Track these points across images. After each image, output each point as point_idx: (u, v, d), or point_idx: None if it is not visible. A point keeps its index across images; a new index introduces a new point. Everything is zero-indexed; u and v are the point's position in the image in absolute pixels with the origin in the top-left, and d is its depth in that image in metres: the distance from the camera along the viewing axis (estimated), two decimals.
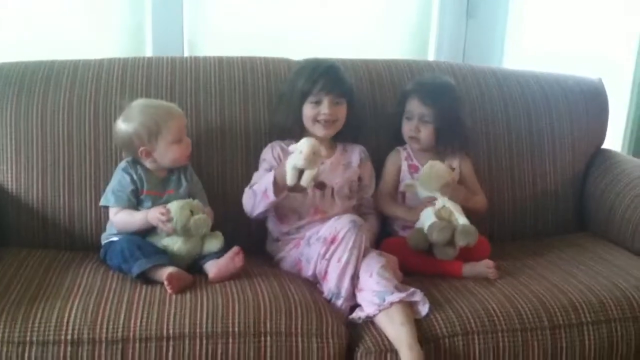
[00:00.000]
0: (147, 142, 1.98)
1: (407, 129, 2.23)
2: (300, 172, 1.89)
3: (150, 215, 1.93)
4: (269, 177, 1.98)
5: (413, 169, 2.24)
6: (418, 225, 2.09)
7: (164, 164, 2.02)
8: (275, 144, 2.18)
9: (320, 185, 2.03)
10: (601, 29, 2.99)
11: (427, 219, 2.06)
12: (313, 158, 1.87)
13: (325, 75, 2.11)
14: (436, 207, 2.07)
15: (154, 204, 1.98)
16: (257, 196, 2.01)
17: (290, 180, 1.90)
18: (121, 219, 1.98)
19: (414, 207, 2.18)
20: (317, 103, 2.10)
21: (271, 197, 1.97)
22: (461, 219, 2.04)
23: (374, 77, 2.40)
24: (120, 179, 2.01)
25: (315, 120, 2.11)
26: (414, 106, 2.21)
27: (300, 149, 1.87)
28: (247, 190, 2.08)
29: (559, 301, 1.86)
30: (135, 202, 2.00)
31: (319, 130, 2.12)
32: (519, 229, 2.42)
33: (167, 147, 1.99)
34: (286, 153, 2.06)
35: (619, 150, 3.05)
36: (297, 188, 1.93)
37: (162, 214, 1.90)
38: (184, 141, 2.03)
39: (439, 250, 2.03)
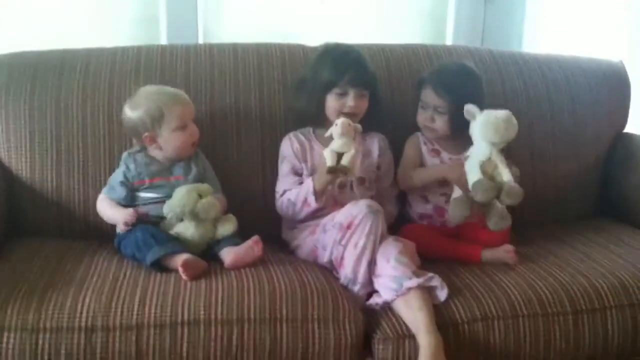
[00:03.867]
0: (151, 128, 1.97)
1: (422, 118, 2.19)
2: (339, 156, 1.89)
3: (121, 214, 1.94)
4: (308, 186, 1.98)
5: (434, 153, 2.20)
6: (455, 193, 2.03)
7: (168, 153, 2.01)
8: (293, 137, 2.15)
9: (360, 180, 2.02)
10: (622, 10, 2.92)
11: (472, 171, 1.97)
12: (348, 140, 1.89)
13: (352, 67, 2.07)
14: (481, 159, 1.98)
15: (163, 189, 1.97)
16: (296, 205, 2.02)
17: (330, 161, 1.89)
18: (100, 207, 2.03)
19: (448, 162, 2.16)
20: (342, 95, 2.06)
21: (313, 204, 1.97)
22: (505, 175, 1.96)
23: (392, 62, 2.35)
24: (117, 170, 2.03)
25: (339, 112, 2.05)
26: (429, 96, 2.16)
27: (337, 132, 1.90)
28: (280, 199, 2.08)
29: (581, 286, 1.83)
30: (124, 193, 1.99)
31: None
32: (540, 214, 2.37)
33: (170, 133, 1.97)
34: (305, 147, 2.08)
35: None
36: (339, 171, 1.91)
37: (130, 215, 1.91)
38: (188, 128, 2.00)
39: (492, 221, 1.95)
